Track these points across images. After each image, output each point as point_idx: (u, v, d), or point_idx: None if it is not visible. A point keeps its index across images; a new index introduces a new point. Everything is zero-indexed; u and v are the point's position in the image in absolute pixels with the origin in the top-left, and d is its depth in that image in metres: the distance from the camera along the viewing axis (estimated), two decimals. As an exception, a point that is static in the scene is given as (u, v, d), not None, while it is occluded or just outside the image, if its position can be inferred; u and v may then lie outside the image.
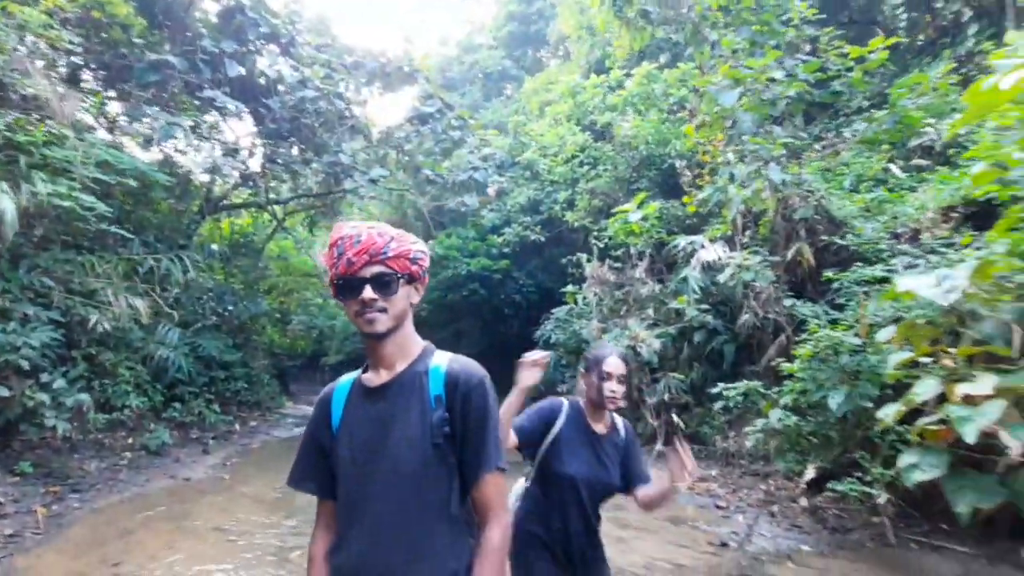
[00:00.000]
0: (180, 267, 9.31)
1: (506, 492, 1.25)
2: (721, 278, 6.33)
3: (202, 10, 10.85)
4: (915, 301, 3.37)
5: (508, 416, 1.84)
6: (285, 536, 4.98)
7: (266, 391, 13.91)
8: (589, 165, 12.73)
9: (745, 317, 6.83)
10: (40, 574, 4.15)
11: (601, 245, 9.49)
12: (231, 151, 11.54)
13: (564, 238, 14.72)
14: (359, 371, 1.36)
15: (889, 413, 3.38)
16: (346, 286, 1.24)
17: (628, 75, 10.87)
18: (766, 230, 6.46)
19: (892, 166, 7.36)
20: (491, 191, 12.36)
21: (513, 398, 1.88)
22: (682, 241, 7.67)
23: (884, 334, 3.63)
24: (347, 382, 1.36)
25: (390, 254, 1.25)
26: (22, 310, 6.25)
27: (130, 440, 8.33)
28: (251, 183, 13.50)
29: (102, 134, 9.51)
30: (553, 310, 12.41)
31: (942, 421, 2.79)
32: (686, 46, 7.24)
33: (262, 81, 10.90)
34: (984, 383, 2.69)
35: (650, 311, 8.16)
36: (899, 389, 3.81)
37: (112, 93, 10.64)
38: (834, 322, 4.75)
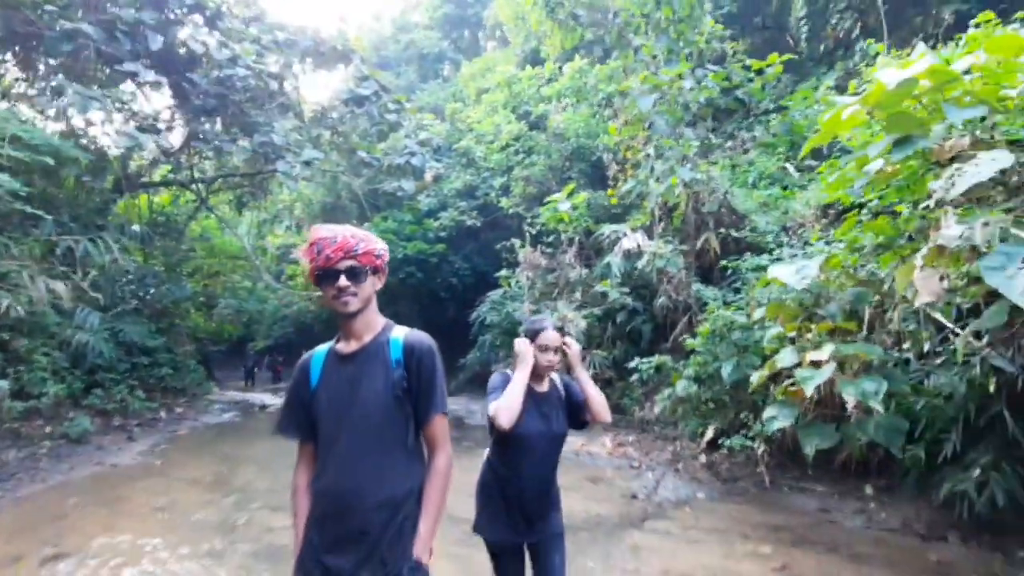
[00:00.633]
0: (100, 248, 8.90)
1: (448, 431, 1.65)
2: (639, 264, 7.00)
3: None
4: (784, 287, 4.10)
5: (518, 391, 2.07)
6: (227, 511, 5.15)
7: (192, 377, 13.47)
8: (524, 154, 13.16)
9: (661, 299, 7.56)
10: (-28, 559, 4.13)
11: (534, 232, 9.99)
12: (150, 127, 10.97)
13: (499, 223, 15.13)
14: (332, 343, 1.72)
15: (756, 377, 4.10)
16: (325, 276, 1.59)
17: (561, 69, 11.35)
18: (678, 222, 7.18)
19: (788, 166, 8.30)
20: (428, 176, 12.51)
21: (519, 374, 2.12)
22: (607, 229, 8.30)
23: (757, 313, 4.36)
24: (323, 351, 1.71)
25: (360, 251, 1.61)
26: (-75, 294, 5.90)
27: (48, 429, 7.99)
28: (172, 160, 12.88)
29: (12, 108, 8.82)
30: (488, 293, 12.86)
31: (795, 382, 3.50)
32: (612, 48, 7.79)
33: (183, 52, 10.41)
34: (824, 351, 3.40)
35: (578, 294, 8.78)
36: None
37: (8, 57, 9.82)
38: (728, 304, 5.49)
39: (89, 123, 10.53)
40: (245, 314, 20.32)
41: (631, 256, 7.47)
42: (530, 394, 2.18)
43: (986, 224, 2.18)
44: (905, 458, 4.09)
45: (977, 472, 3.49)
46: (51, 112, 9.28)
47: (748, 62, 6.57)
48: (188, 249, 14.96)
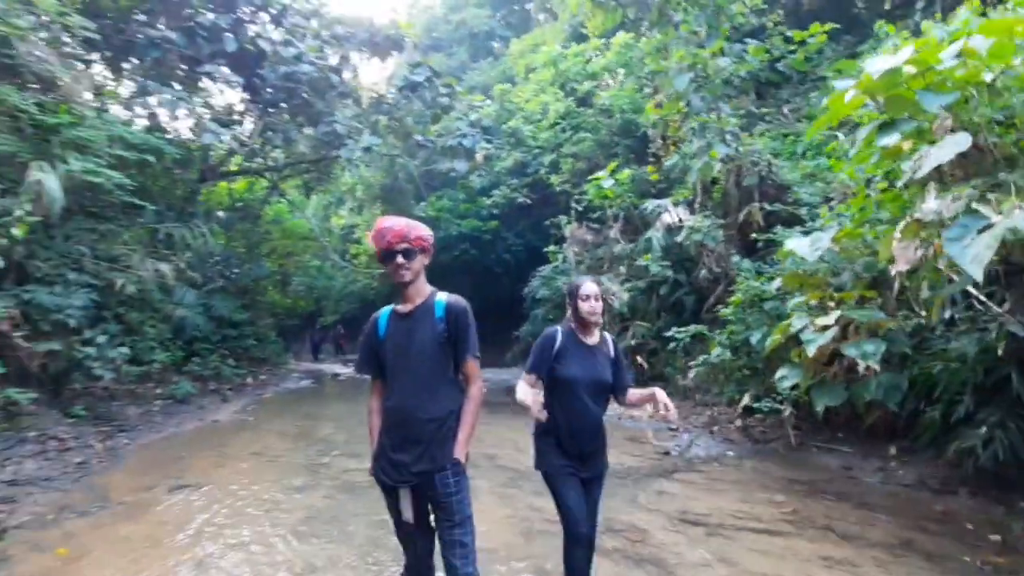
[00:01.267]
0: (193, 233, 10.08)
1: (479, 370, 2.20)
2: (680, 238, 7.26)
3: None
4: (803, 259, 4.33)
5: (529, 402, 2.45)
6: (311, 456, 6.05)
7: (272, 348, 14.90)
8: (572, 130, 13.39)
9: (702, 272, 7.80)
10: (119, 486, 5.17)
11: (580, 208, 10.34)
12: (227, 120, 12.07)
13: (550, 199, 15.47)
14: (393, 305, 2.30)
15: (769, 341, 4.39)
16: (387, 256, 2.16)
17: (607, 44, 11.44)
18: (719, 196, 7.34)
19: (839, 135, 8.19)
20: (479, 156, 13.03)
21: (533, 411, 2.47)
22: (650, 204, 8.55)
23: (775, 284, 4.61)
24: (387, 311, 2.30)
25: (412, 237, 2.17)
26: (63, 275, 7.07)
27: (158, 390, 9.29)
28: (246, 149, 14.05)
29: (114, 109, 10.02)
30: (539, 268, 13.35)
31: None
32: (653, 26, 7.90)
33: (252, 48, 11.31)
34: (831, 316, 3.67)
35: (623, 268, 9.12)
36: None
37: (98, 60, 11.03)
38: (761, 275, 5.72)
39: (174, 118, 11.71)
40: (315, 291, 21.82)
41: (672, 230, 7.73)
42: (579, 344, 2.53)
43: (955, 199, 2.44)
44: (923, 419, 4.31)
45: (984, 430, 3.70)
46: (140, 110, 10.40)
47: (789, 33, 6.56)
48: (264, 232, 16.28)
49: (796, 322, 3.98)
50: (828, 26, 6.49)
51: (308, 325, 25.53)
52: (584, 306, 2.51)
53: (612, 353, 2.63)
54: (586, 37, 14.00)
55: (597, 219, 10.71)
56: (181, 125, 13.38)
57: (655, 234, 7.75)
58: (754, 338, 5.23)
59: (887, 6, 11.23)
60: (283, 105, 12.39)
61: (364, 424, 2.35)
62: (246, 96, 13.15)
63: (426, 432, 2.09)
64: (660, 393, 2.45)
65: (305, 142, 12.53)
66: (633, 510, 4.17)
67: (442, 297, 2.23)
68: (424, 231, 2.24)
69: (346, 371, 15.93)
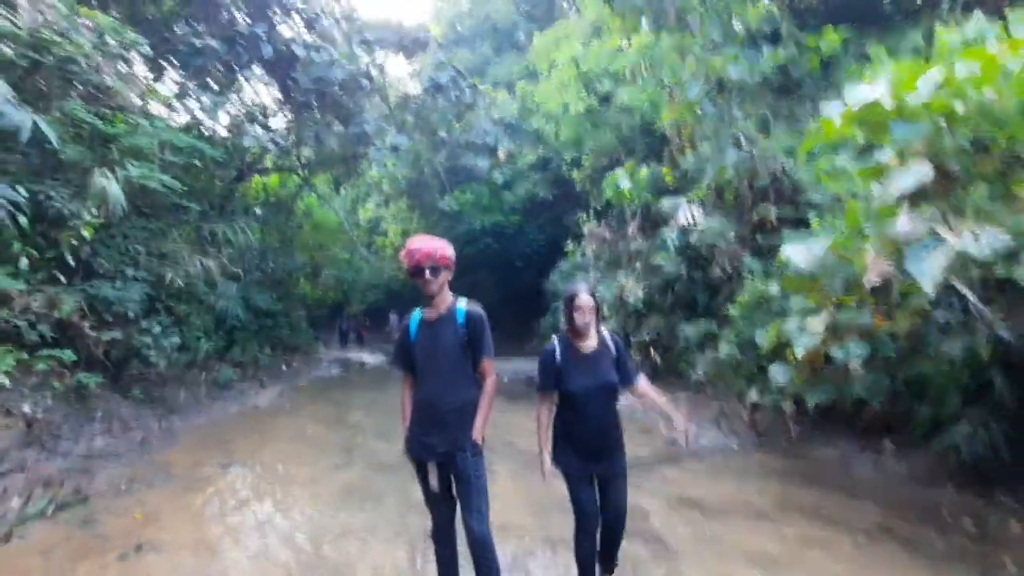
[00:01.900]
0: (232, 230, 10.75)
1: (494, 367, 2.63)
2: (691, 239, 7.55)
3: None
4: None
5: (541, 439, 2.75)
6: (346, 438, 6.61)
7: (304, 337, 15.63)
8: (594, 126, 13.61)
9: (716, 271, 8.07)
10: (177, 462, 5.79)
11: (599, 206, 10.64)
12: (263, 123, 12.70)
13: (572, 195, 15.73)
14: (420, 312, 2.73)
15: (765, 341, 4.70)
16: (415, 272, 2.59)
17: (629, 42, 11.62)
18: (731, 197, 7.57)
19: (856, 137, 8.32)
20: (501, 154, 13.40)
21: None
22: (666, 203, 8.82)
23: (773, 287, 4.90)
24: (416, 317, 2.73)
25: (438, 256, 2.60)
26: (122, 271, 7.75)
27: (203, 376, 10.00)
28: (279, 147, 14.69)
29: (159, 113, 10.68)
30: (559, 263, 13.72)
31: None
32: (671, 32, 8.11)
33: (285, 50, 11.85)
34: (820, 320, 3.97)
35: (638, 265, 9.43)
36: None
37: (145, 66, 11.71)
38: (767, 274, 5.98)
39: (212, 118, 12.36)
40: (344, 282, 22.58)
41: (686, 230, 8.00)
42: (577, 354, 2.68)
43: (921, 221, 2.75)
44: (916, 416, 4.58)
45: (968, 428, 3.97)
46: (179, 106, 11.03)
47: (802, 38, 6.73)
48: (296, 225, 16.98)
49: (789, 324, 4.30)
50: (841, 35, 6.64)
51: (335, 314, 26.40)
52: (578, 317, 2.65)
53: (614, 352, 2.75)
54: (609, 32, 14.15)
55: (616, 216, 10.99)
56: (220, 122, 14.10)
57: (669, 234, 8.04)
58: (759, 337, 5.52)
59: (919, 2, 11.13)
60: (314, 105, 12.95)
61: (392, 412, 2.82)
62: (279, 97, 13.77)
63: (449, 419, 2.54)
64: (680, 418, 2.77)
65: (335, 141, 13.08)
66: (637, 494, 4.57)
67: (462, 305, 2.66)
68: (448, 251, 2.66)
69: (371, 360, 16.60)
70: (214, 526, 4.01)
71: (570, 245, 11.65)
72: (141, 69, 11.61)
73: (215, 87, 11.00)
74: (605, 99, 13.22)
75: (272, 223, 15.76)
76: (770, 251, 7.69)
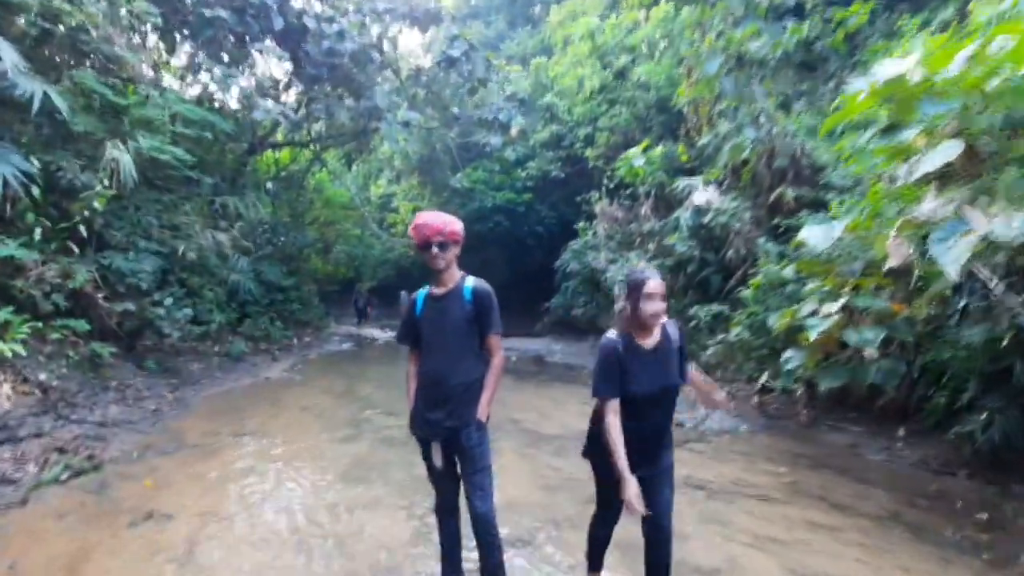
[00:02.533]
0: (243, 203, 10.75)
1: (500, 344, 2.59)
2: (706, 220, 7.41)
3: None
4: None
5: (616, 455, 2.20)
6: (354, 412, 6.67)
7: (315, 312, 15.74)
8: (608, 104, 13.36)
9: (730, 252, 7.94)
10: (191, 431, 5.88)
11: (612, 185, 10.48)
12: (275, 94, 12.60)
13: (585, 172, 15.55)
14: (427, 288, 2.69)
15: (778, 324, 4.62)
16: (425, 246, 2.55)
17: (647, 16, 11.31)
18: (748, 177, 7.40)
19: (883, 112, 8.06)
20: (514, 131, 13.20)
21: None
22: (681, 183, 8.66)
23: (788, 270, 4.78)
24: (423, 292, 2.70)
25: (447, 232, 2.55)
26: (135, 243, 7.80)
27: (216, 348, 10.13)
28: (290, 121, 14.60)
29: (172, 86, 10.63)
30: (571, 242, 13.61)
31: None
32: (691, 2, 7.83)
33: (297, 23, 11.68)
34: (837, 303, 3.87)
35: (651, 245, 9.31)
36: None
37: (159, 42, 11.62)
38: (784, 258, 5.86)
39: (225, 92, 12.29)
40: (355, 258, 22.63)
41: (701, 211, 7.86)
42: (639, 351, 2.25)
43: (948, 202, 2.63)
44: (931, 403, 4.50)
45: (984, 415, 3.89)
46: (191, 79, 10.97)
47: (828, 13, 6.47)
48: (308, 201, 16.97)
49: (804, 307, 4.20)
50: (870, 5, 6.35)
51: (347, 291, 26.52)
52: (648, 307, 2.19)
53: (678, 343, 2.37)
54: (626, 5, 13.76)
55: (629, 195, 10.83)
56: (232, 96, 14.02)
57: (683, 214, 7.90)
58: (772, 320, 5.44)
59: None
60: (326, 79, 12.80)
61: (401, 386, 2.79)
62: (290, 69, 13.62)
63: (454, 394, 2.51)
64: (722, 395, 2.61)
65: (346, 115, 12.96)
66: (643, 474, 4.57)
67: (470, 282, 2.61)
68: (457, 226, 2.61)
69: (383, 335, 16.71)
70: (223, 495, 4.08)
71: (582, 224, 11.50)
72: (154, 41, 11.58)
73: (227, 60, 10.92)
74: (620, 75, 12.93)
75: (284, 198, 15.78)
76: (786, 234, 7.55)
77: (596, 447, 2.40)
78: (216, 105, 12.08)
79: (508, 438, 5.51)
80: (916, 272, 4.57)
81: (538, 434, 5.74)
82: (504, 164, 17.98)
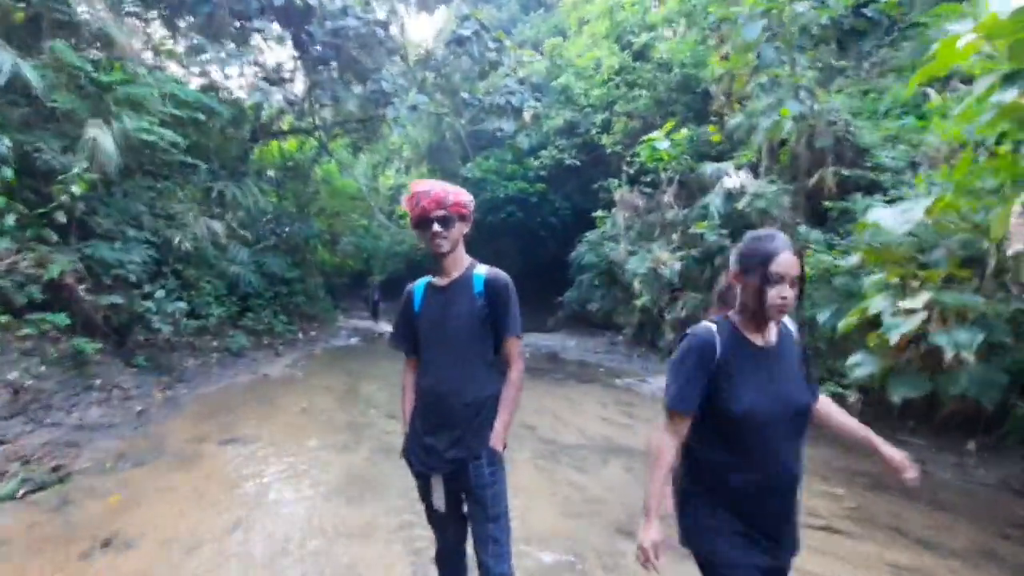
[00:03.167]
0: (244, 192, 10.25)
1: (521, 350, 2.00)
2: (739, 205, 6.74)
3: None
4: (886, 231, 3.83)
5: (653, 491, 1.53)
6: (354, 415, 6.14)
7: (322, 305, 15.27)
8: (626, 87, 12.66)
9: (763, 242, 7.26)
10: (173, 436, 5.38)
11: (631, 171, 9.82)
12: (278, 79, 12.06)
13: (601, 161, 14.89)
14: (429, 277, 2.11)
15: (844, 323, 3.98)
16: (422, 223, 1.96)
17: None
18: (787, 159, 6.72)
19: (931, 91, 7.32)
20: (527, 115, 12.56)
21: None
22: (709, 168, 7.98)
23: (852, 259, 4.14)
24: (423, 283, 2.12)
25: (450, 203, 1.96)
26: (123, 231, 7.30)
27: (215, 343, 9.65)
28: (296, 109, 14.08)
29: (168, 67, 10.14)
30: (586, 233, 12.97)
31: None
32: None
33: (299, 2, 11.14)
34: (919, 299, 3.24)
35: (675, 235, 8.65)
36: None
37: (154, 17, 11.15)
38: (833, 247, 5.20)
39: (226, 76, 11.79)
40: (363, 250, 22.16)
41: (732, 196, 7.19)
42: (750, 349, 1.52)
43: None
44: (1014, 414, 3.85)
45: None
46: (194, 68, 10.48)
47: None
48: (314, 191, 16.48)
49: (877, 304, 3.57)
50: (930, -38, 5.65)
51: (357, 283, 26.06)
52: (774, 292, 1.45)
53: (799, 344, 1.64)
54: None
55: (650, 183, 10.16)
56: (235, 84, 13.56)
57: (713, 199, 7.23)
58: (821, 316, 4.80)
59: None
60: (332, 64, 12.26)
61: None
62: (295, 54, 13.11)
63: (461, 417, 1.93)
64: (898, 456, 1.65)
65: (353, 101, 12.42)
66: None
67: (481, 270, 2.03)
68: (464, 196, 2.02)
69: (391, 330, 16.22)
70: (195, 517, 3.55)
71: (599, 213, 10.85)
72: (155, 26, 11.10)
73: (231, 45, 10.39)
74: (640, 55, 12.22)
75: (289, 188, 15.29)
76: (833, 220, 6.87)
77: (700, 527, 1.56)
78: (219, 91, 11.62)
79: (523, 448, 4.94)
80: (994, 261, 3.92)
81: (555, 443, 5.16)
82: (516, 153, 17.34)
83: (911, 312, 3.27)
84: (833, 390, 5.22)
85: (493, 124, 13.59)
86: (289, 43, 12.81)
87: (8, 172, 5.46)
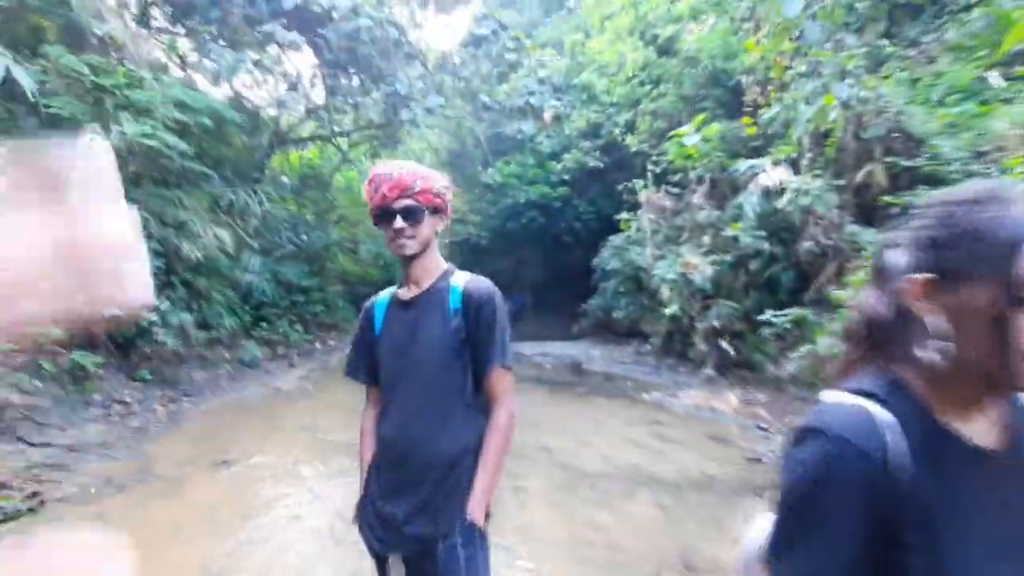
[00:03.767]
0: (256, 200, 10.03)
1: (511, 386, 1.50)
2: (780, 203, 6.11)
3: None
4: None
5: None
6: (356, 435, 5.69)
7: (341, 314, 15.03)
8: (652, 84, 12.08)
9: (805, 244, 6.61)
10: (165, 458, 5.04)
11: (658, 171, 9.23)
12: (294, 85, 11.89)
13: (625, 163, 14.34)
14: (396, 287, 1.64)
15: None
16: (382, 215, 1.49)
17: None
18: (833, 151, 6.07)
19: (990, 75, 6.57)
20: (547, 116, 12.10)
21: None
22: (743, 165, 7.36)
23: None
24: (386, 296, 1.65)
25: (417, 189, 1.48)
26: (128, 240, 7.07)
27: (227, 354, 9.41)
28: (315, 116, 13.94)
29: (176, 72, 10.03)
30: (610, 238, 12.40)
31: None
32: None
33: (316, 9, 10.97)
34: None
35: (707, 238, 8.03)
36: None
37: (180, 30, 11.12)
38: (892, 248, 4.53)
39: (245, 85, 11.69)
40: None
41: (770, 194, 6.56)
42: (969, 474, 0.70)
43: None
44: None
45: None
46: (210, 77, 10.35)
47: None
48: (333, 199, 16.35)
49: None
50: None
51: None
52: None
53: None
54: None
55: (677, 183, 9.56)
56: (254, 94, 13.48)
57: (748, 198, 6.61)
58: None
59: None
60: (350, 69, 12.07)
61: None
62: (315, 61, 12.95)
63: (429, 476, 1.44)
64: None
65: (371, 106, 12.19)
66: (716, 537, 3.39)
67: (459, 280, 1.54)
68: (435, 182, 1.54)
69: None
70: (160, 561, 3.13)
71: (624, 216, 10.28)
72: (184, 44, 11.04)
73: (247, 52, 10.23)
74: (665, 50, 11.64)
75: (308, 195, 15.15)
76: (874, 219, 6.18)
77: None
78: (240, 99, 11.50)
79: (537, 474, 4.41)
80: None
81: (575, 469, 4.61)
82: (538, 157, 16.90)
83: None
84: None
85: (513, 127, 13.18)
86: (307, 50, 12.70)
87: None
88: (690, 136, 7.52)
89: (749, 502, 3.92)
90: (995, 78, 6.51)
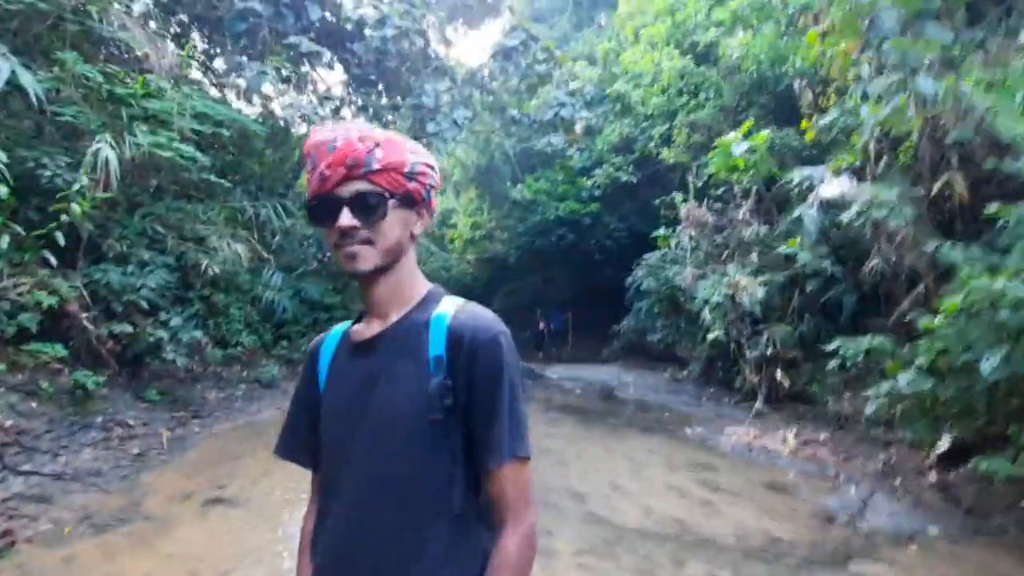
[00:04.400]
0: (279, 215, 9.78)
1: (529, 488, 0.92)
2: (845, 217, 5.37)
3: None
4: None
5: None
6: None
7: (365, 332, 14.69)
8: (689, 94, 11.47)
9: (873, 262, 5.84)
10: (158, 491, 4.61)
11: (699, 184, 8.58)
12: (323, 99, 11.75)
13: (660, 178, 13.72)
14: (351, 322, 1.09)
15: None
16: (319, 207, 0.95)
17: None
18: (907, 157, 5.33)
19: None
20: (578, 128, 11.60)
21: None
22: (797, 175, 6.65)
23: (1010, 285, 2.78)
24: (337, 332, 1.10)
25: (375, 166, 0.93)
26: (139, 255, 6.81)
27: (244, 373, 9.09)
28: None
29: (206, 87, 9.96)
30: (645, 256, 11.74)
31: None
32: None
33: (348, 27, 10.85)
34: None
35: (754, 256, 7.31)
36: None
37: (201, 42, 11.11)
38: (992, 270, 3.79)
39: (267, 98, 11.58)
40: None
41: (831, 207, 5.84)
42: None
43: None
44: None
45: None
46: (239, 91, 10.25)
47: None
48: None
49: None
50: None
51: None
52: None
53: None
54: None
55: (720, 196, 8.87)
56: (281, 109, 13.44)
57: (808, 212, 5.89)
58: (987, 365, 3.41)
59: None
60: (379, 86, 11.90)
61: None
62: (344, 77, 12.85)
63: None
64: None
65: (399, 121, 11.96)
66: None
67: (447, 307, 0.97)
68: (408, 154, 0.98)
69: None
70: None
71: (661, 232, 9.62)
72: (198, 49, 11.05)
73: (273, 66, 10.12)
74: (704, 57, 11.03)
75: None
76: (953, 233, 5.38)
77: None
78: (270, 114, 11.40)
79: (564, 530, 3.76)
80: None
81: (610, 524, 3.94)
82: (568, 172, 16.41)
83: None
84: (1002, 468, 3.75)
85: (543, 140, 12.75)
86: (338, 67, 12.61)
87: (3, 189, 4.98)
88: (737, 145, 6.85)
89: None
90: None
